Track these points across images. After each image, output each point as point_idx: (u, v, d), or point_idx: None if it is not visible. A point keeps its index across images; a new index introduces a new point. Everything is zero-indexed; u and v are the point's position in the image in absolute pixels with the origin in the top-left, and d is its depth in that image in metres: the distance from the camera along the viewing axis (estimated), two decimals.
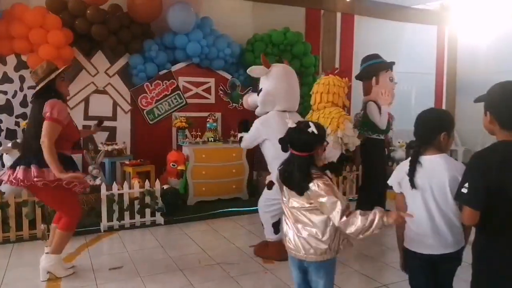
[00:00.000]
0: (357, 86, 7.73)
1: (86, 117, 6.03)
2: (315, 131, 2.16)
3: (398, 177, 2.25)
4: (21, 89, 5.60)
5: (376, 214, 2.01)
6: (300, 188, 2.13)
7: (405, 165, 2.21)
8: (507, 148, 1.87)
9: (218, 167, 5.84)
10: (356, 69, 7.85)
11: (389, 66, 5.10)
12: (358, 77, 5.41)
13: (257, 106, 3.94)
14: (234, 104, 6.79)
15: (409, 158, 2.20)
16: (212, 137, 5.95)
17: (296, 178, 2.15)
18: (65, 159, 3.28)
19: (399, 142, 6.91)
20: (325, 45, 7.81)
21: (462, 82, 8.94)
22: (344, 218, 2.03)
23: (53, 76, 3.26)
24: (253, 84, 6.77)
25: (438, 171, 2.09)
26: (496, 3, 7.97)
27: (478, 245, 1.97)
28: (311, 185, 2.10)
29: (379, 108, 4.90)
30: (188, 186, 5.74)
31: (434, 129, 2.14)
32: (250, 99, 4.03)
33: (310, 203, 2.14)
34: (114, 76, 6.19)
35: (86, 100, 6.04)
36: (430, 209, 2.13)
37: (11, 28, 5.27)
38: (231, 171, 5.94)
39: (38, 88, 3.28)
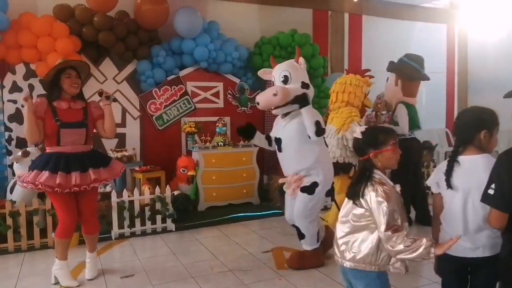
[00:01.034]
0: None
1: None
2: (359, 136, 2.13)
3: (436, 177, 2.20)
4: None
5: (423, 242, 1.84)
6: (354, 192, 2.03)
7: (444, 165, 2.15)
8: None
9: (228, 172, 5.79)
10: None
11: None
12: (413, 77, 5.01)
13: (289, 100, 3.59)
14: (243, 108, 6.75)
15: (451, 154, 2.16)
16: (221, 141, 5.91)
17: (353, 181, 2.10)
18: (48, 157, 3.28)
19: None
20: (333, 46, 7.78)
21: (474, 81, 8.82)
22: (389, 232, 1.89)
23: (53, 71, 3.30)
24: (261, 88, 6.72)
25: (478, 172, 2.01)
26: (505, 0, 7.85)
27: (506, 250, 1.88)
28: (368, 189, 1.99)
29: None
30: (199, 192, 5.69)
31: (472, 128, 2.07)
32: (291, 91, 3.58)
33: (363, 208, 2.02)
34: (123, 82, 6.19)
35: None
36: (467, 210, 2.04)
37: (20, 37, 5.28)
38: (241, 175, 5.89)
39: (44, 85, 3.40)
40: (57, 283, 3.48)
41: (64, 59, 3.49)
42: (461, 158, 2.08)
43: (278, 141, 3.71)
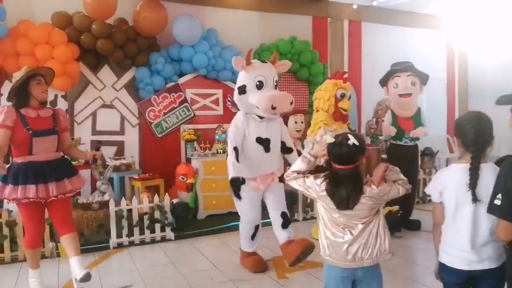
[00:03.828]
0: (368, 93, 7.67)
1: (94, 132, 5.98)
2: (356, 143, 2.10)
3: (439, 186, 2.11)
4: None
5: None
6: (353, 202, 2.09)
7: (446, 173, 2.11)
8: None
9: (228, 180, 5.70)
10: (365, 75, 7.82)
11: (392, 73, 4.98)
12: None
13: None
14: None
15: (451, 166, 2.10)
16: (221, 149, 5.85)
17: (346, 192, 2.10)
18: (17, 168, 3.18)
19: None
20: (333, 53, 7.75)
21: (474, 87, 8.79)
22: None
23: (23, 77, 3.18)
24: None
25: (487, 182, 1.92)
26: (504, 7, 7.84)
27: None
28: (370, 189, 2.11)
29: (396, 116, 4.91)
30: (198, 200, 5.63)
31: (491, 134, 2.02)
32: None
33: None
34: (121, 90, 6.15)
35: (94, 115, 5.99)
36: (479, 222, 1.97)
37: (17, 45, 5.25)
38: None
39: (10, 90, 3.25)
40: None
41: (30, 67, 3.39)
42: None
43: (266, 141, 3.69)
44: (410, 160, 4.96)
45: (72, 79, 5.64)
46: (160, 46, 6.32)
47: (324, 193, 2.15)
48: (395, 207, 4.78)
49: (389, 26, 8.07)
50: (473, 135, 1.99)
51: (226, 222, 5.36)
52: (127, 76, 6.17)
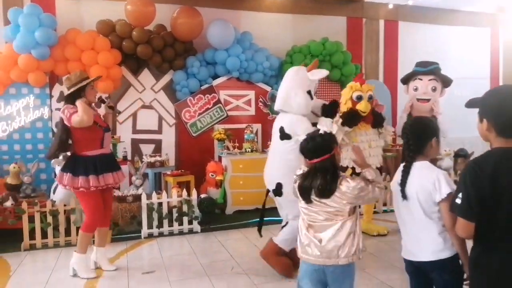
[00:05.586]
0: (404, 93, 7.58)
1: (134, 131, 6.45)
2: (328, 130, 2.24)
3: (392, 184, 2.29)
4: None
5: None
6: (329, 191, 2.15)
7: (399, 171, 2.23)
8: (503, 154, 1.78)
9: (255, 177, 5.89)
10: (401, 75, 7.69)
11: (414, 74, 4.95)
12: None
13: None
14: (273, 115, 6.89)
15: (404, 164, 2.20)
16: (249, 147, 6.09)
17: (321, 181, 2.16)
18: (86, 160, 3.64)
19: (445, 151, 6.59)
20: (367, 53, 7.75)
21: None
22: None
23: (84, 83, 3.66)
24: None
25: (419, 178, 2.10)
26: None
27: (475, 257, 1.88)
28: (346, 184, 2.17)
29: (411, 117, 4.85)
30: (227, 196, 5.90)
31: (427, 137, 2.14)
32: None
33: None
34: (160, 92, 6.58)
35: (134, 115, 6.46)
36: (408, 215, 2.16)
37: (66, 51, 5.80)
38: None
39: (69, 92, 3.66)
40: (75, 275, 3.83)
41: (84, 71, 3.98)
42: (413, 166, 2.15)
43: None
44: None
45: (115, 82, 6.13)
46: (196, 50, 6.68)
47: (296, 188, 2.28)
48: (384, 230, 4.91)
49: (426, 24, 7.93)
50: (405, 139, 2.18)
51: (252, 217, 5.57)
52: (165, 79, 6.59)
